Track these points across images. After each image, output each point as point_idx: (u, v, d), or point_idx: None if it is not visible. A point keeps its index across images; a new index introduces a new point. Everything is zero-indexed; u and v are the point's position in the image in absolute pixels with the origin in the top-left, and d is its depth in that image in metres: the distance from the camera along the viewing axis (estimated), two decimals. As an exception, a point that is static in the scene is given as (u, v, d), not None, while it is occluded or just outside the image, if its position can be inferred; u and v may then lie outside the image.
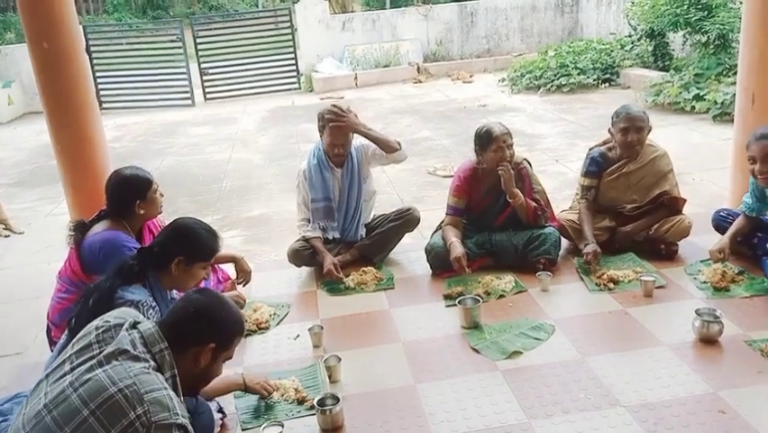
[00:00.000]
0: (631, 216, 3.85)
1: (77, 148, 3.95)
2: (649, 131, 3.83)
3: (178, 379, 1.86)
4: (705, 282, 3.46)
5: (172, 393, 1.76)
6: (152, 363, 1.81)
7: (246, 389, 2.64)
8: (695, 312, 3.00)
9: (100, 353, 1.79)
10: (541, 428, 2.46)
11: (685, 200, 3.85)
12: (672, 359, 2.84)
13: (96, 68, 11.31)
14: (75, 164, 3.98)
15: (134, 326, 1.89)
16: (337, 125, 3.85)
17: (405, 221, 4.07)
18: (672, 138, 6.43)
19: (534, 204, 3.77)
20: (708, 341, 2.93)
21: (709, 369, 2.76)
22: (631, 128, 3.74)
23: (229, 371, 2.96)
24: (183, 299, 2.01)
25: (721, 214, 3.81)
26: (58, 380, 1.78)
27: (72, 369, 1.78)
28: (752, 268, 3.51)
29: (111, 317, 1.94)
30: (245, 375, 2.66)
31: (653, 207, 3.81)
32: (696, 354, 2.87)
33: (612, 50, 10.26)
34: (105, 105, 11.12)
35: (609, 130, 3.90)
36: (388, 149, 3.94)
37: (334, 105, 3.92)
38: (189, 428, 1.75)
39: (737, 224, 3.56)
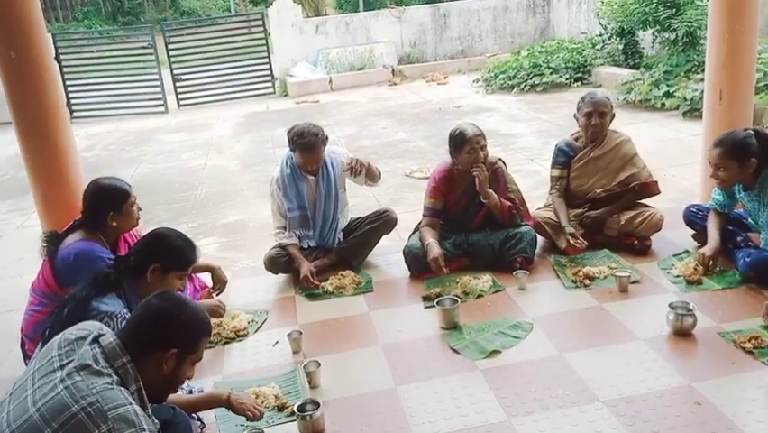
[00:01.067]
0: (603, 200, 3.92)
1: (48, 158, 3.88)
2: (612, 117, 3.95)
3: (143, 392, 1.81)
4: (678, 276, 3.51)
5: (138, 408, 1.71)
6: (116, 377, 1.75)
7: (230, 407, 2.45)
8: (669, 306, 3.05)
9: (62, 368, 1.74)
10: (521, 426, 2.48)
11: (656, 182, 3.92)
12: (647, 353, 2.89)
13: (66, 76, 11.16)
14: (45, 175, 3.91)
15: (96, 339, 1.82)
16: (308, 147, 3.80)
17: (382, 223, 4.08)
18: (644, 135, 6.52)
19: (508, 203, 3.80)
20: (683, 334, 2.98)
21: (684, 361, 2.81)
22: (594, 113, 3.86)
23: (208, 380, 2.96)
24: (142, 306, 1.94)
25: (692, 209, 3.87)
26: (20, 398, 1.73)
27: (34, 387, 1.73)
28: (723, 261, 3.57)
29: (74, 330, 1.89)
30: (232, 393, 2.49)
31: (623, 192, 3.88)
32: (671, 348, 2.92)
33: (584, 50, 10.39)
34: (75, 114, 10.98)
35: (575, 115, 4.01)
36: (374, 179, 4.03)
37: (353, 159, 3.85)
38: None
39: (716, 223, 3.61)
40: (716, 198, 3.65)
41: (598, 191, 3.93)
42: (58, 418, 1.64)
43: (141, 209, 3.18)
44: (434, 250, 3.69)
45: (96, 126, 10.62)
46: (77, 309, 2.38)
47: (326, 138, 3.91)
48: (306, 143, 3.80)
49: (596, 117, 3.86)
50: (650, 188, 3.90)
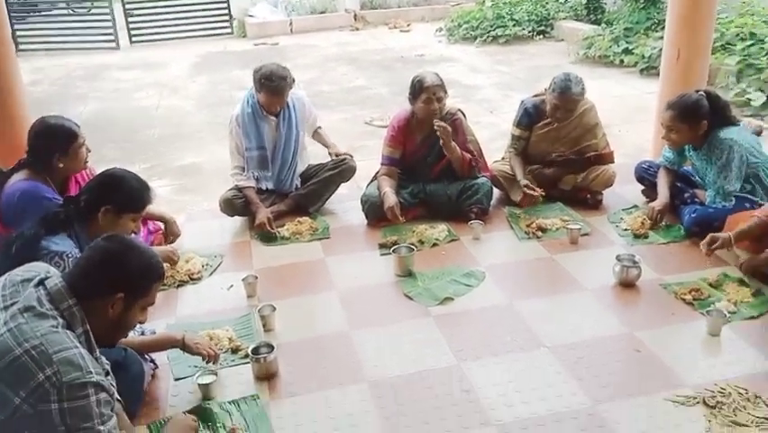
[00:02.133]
0: (557, 163, 3.97)
1: (-9, 92, 3.71)
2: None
3: (90, 334, 1.79)
4: (626, 230, 3.63)
5: (84, 352, 1.68)
6: (61, 320, 1.72)
7: (184, 348, 2.49)
8: (616, 258, 3.15)
9: (5, 310, 1.71)
10: (469, 370, 2.56)
11: (612, 153, 3.99)
12: (593, 302, 3.00)
13: (12, 7, 10.55)
14: (-11, 109, 3.74)
15: (42, 282, 1.78)
16: (275, 91, 3.73)
17: (341, 171, 4.06)
18: (601, 91, 6.60)
19: (469, 156, 3.82)
20: (627, 285, 3.09)
21: (627, 311, 2.93)
22: (562, 108, 3.81)
23: (161, 322, 2.95)
24: (90, 248, 1.89)
25: (643, 165, 3.97)
26: None
27: None
28: (669, 216, 3.69)
29: (19, 271, 1.84)
30: (186, 335, 2.52)
31: (578, 159, 3.93)
32: (615, 298, 3.03)
33: (547, 2, 10.34)
34: (21, 48, 10.43)
35: (545, 89, 3.93)
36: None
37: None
38: (105, 384, 1.70)
39: (665, 179, 3.71)
40: (666, 155, 3.74)
41: (554, 156, 3.97)
42: (1, 360, 1.61)
43: (90, 151, 3.08)
44: (390, 199, 3.70)
45: (43, 60, 10.12)
46: (26, 248, 2.32)
47: (293, 81, 3.85)
48: (275, 87, 3.72)
49: (563, 111, 3.83)
50: (605, 159, 3.95)
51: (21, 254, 2.25)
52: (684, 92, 3.55)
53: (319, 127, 4.20)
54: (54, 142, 2.91)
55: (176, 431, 2.08)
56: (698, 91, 3.51)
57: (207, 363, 2.52)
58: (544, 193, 3.85)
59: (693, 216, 3.47)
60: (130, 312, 1.87)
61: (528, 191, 3.84)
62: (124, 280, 1.83)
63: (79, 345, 1.70)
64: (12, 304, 1.72)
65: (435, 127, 3.67)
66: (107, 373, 1.84)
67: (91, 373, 1.65)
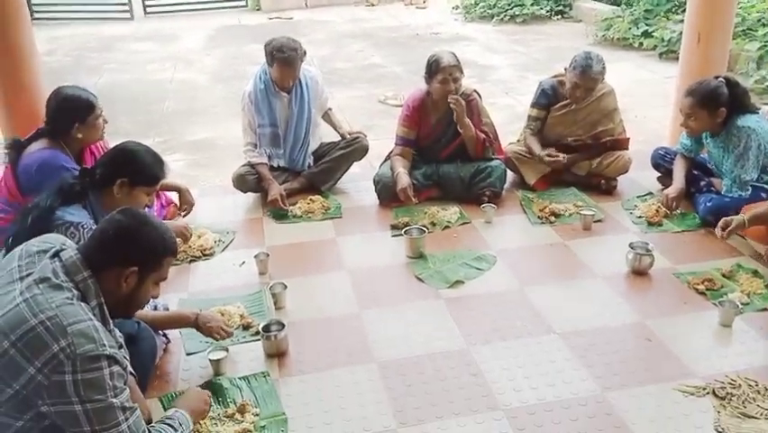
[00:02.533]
0: (573, 147, 3.93)
1: (7, 60, 3.70)
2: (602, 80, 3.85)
3: (105, 307, 1.80)
4: (640, 217, 3.60)
5: (98, 324, 1.70)
6: (76, 292, 1.73)
7: (197, 327, 2.51)
8: (629, 245, 3.13)
9: (21, 280, 1.72)
10: (478, 354, 2.57)
11: (628, 139, 3.94)
12: (604, 289, 2.99)
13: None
14: (5, 78, 3.74)
15: (57, 254, 1.79)
16: (287, 62, 3.70)
17: (353, 150, 4.04)
18: (619, 74, 6.48)
19: (483, 136, 3.79)
20: (640, 273, 3.08)
21: (639, 299, 2.92)
22: (582, 87, 3.75)
23: (173, 297, 2.97)
24: (105, 221, 1.90)
25: (660, 152, 3.93)
26: None
27: None
28: (684, 204, 3.65)
29: (35, 242, 1.85)
30: (200, 315, 2.53)
31: (594, 144, 3.89)
32: (627, 285, 3.02)
33: (566, -19, 10.16)
34: (36, 16, 10.41)
35: (565, 68, 3.86)
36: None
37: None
38: (119, 357, 1.71)
39: (681, 166, 3.67)
40: (683, 142, 3.70)
41: (569, 140, 3.93)
42: (15, 330, 1.62)
43: (107, 122, 3.10)
44: (403, 180, 3.69)
45: (59, 30, 10.11)
46: (42, 218, 2.34)
47: (305, 53, 3.82)
48: (286, 58, 3.69)
49: (582, 90, 3.77)
50: (621, 144, 3.91)
51: (36, 224, 2.28)
52: (703, 78, 3.49)
53: (330, 108, 4.17)
54: (74, 113, 2.94)
55: (190, 403, 2.10)
56: (717, 77, 3.45)
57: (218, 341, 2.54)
58: (566, 156, 3.79)
59: (709, 204, 3.43)
60: (143, 286, 1.88)
61: (551, 159, 3.79)
62: (138, 255, 1.84)
63: (93, 317, 1.72)
64: (27, 275, 1.73)
65: (449, 100, 3.63)
66: (120, 346, 1.86)
67: (104, 345, 1.67)
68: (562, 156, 3.80)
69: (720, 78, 3.42)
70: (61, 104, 2.95)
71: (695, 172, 3.70)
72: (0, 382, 1.62)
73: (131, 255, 1.83)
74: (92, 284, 1.77)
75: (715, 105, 3.35)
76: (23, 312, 1.64)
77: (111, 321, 1.85)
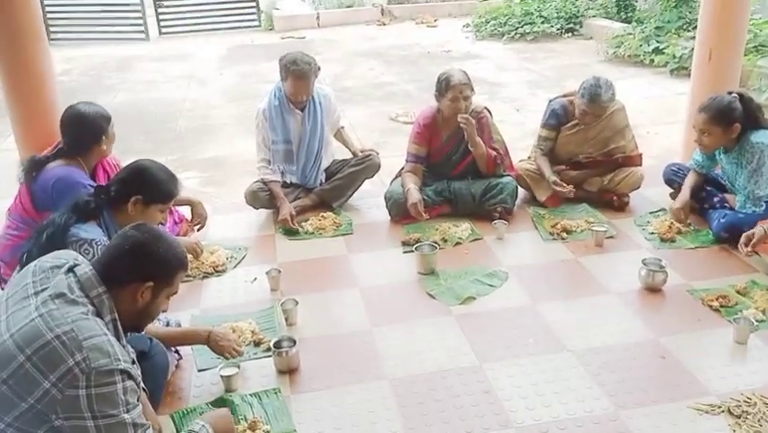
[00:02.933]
0: (584, 164, 3.94)
1: (25, 81, 3.76)
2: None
3: (118, 322, 1.81)
4: (653, 233, 3.58)
5: (113, 339, 1.71)
6: (91, 307, 1.75)
7: (209, 345, 2.51)
8: (642, 262, 3.11)
9: (36, 295, 1.73)
10: (491, 371, 2.55)
11: (641, 155, 3.93)
12: (617, 306, 2.96)
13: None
14: (22, 98, 3.80)
15: (71, 269, 1.81)
16: (301, 75, 3.75)
17: (365, 167, 4.06)
18: (630, 91, 6.51)
19: (494, 153, 3.80)
20: (653, 290, 3.05)
21: (653, 316, 2.89)
22: (591, 114, 3.76)
23: (186, 314, 2.98)
24: (119, 236, 1.93)
25: (672, 168, 3.91)
26: None
27: (8, 313, 1.73)
28: (698, 220, 3.64)
29: (49, 258, 1.87)
30: (212, 333, 2.53)
31: (605, 161, 3.89)
32: (641, 302, 3.00)
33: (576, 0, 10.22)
34: (53, 37, 10.59)
35: (575, 93, 3.85)
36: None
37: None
38: (133, 372, 1.72)
39: (691, 180, 3.66)
40: (696, 158, 3.68)
41: (581, 157, 3.92)
42: (31, 344, 1.64)
43: (114, 134, 3.16)
44: (414, 196, 3.70)
45: (75, 50, 10.28)
46: (56, 235, 2.37)
47: (318, 69, 3.87)
48: (299, 71, 3.73)
49: (591, 117, 3.77)
50: (633, 161, 3.89)
51: (51, 241, 2.30)
52: (716, 94, 3.49)
53: (342, 127, 4.21)
54: (98, 127, 3.01)
55: (217, 422, 2.08)
56: (730, 93, 3.44)
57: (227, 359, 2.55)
58: (573, 189, 3.81)
59: (722, 221, 3.41)
60: (156, 300, 1.91)
61: (558, 188, 3.80)
62: (154, 269, 1.87)
63: (108, 332, 1.73)
64: (42, 290, 1.75)
65: (459, 119, 3.65)
66: (133, 362, 1.87)
67: (119, 360, 1.68)
68: (569, 189, 3.79)
69: (734, 94, 3.42)
70: (84, 120, 3.00)
71: (708, 188, 3.68)
72: (14, 397, 1.63)
73: (146, 270, 1.85)
74: (107, 300, 1.79)
75: (728, 121, 3.34)
76: (39, 327, 1.66)
77: (124, 336, 1.87)
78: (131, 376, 1.72)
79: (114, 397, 1.66)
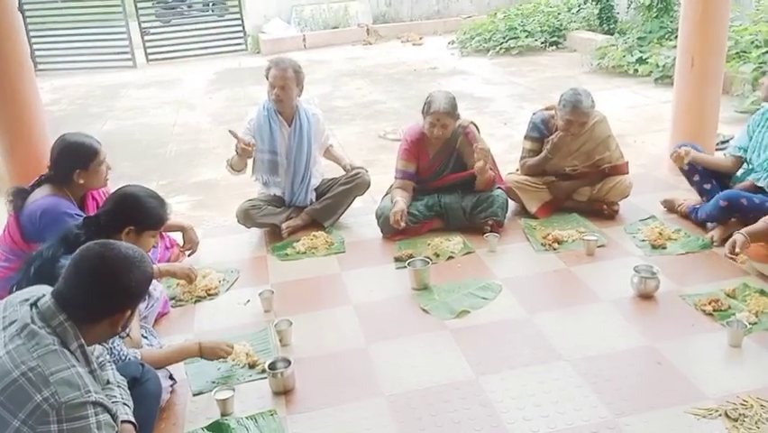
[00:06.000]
0: (571, 176, 3.96)
1: (12, 111, 3.78)
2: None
3: (86, 348, 1.75)
4: (643, 240, 3.60)
5: (81, 370, 1.67)
6: (56, 338, 1.70)
7: (203, 356, 2.57)
8: (633, 269, 3.12)
9: (4, 331, 1.70)
10: (488, 384, 2.54)
11: (627, 163, 3.96)
12: (611, 314, 2.97)
13: (30, 27, 10.74)
14: (9, 128, 3.82)
15: (35, 303, 1.76)
16: (280, 65, 3.81)
17: (355, 185, 4.07)
18: (616, 101, 6.59)
19: (494, 175, 3.84)
20: (646, 296, 3.06)
21: (646, 323, 2.90)
22: (575, 123, 3.74)
23: (179, 338, 2.97)
24: (73, 263, 1.81)
25: (690, 163, 3.73)
26: None
27: None
28: (688, 226, 3.66)
29: (21, 293, 1.83)
30: (202, 343, 2.58)
31: (593, 172, 3.91)
32: (634, 309, 3.00)
33: (559, 13, 10.35)
34: (40, 67, 10.61)
35: (556, 108, 3.84)
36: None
37: None
38: (106, 402, 1.69)
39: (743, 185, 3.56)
40: (739, 145, 3.61)
41: (567, 170, 3.95)
42: None
43: (110, 168, 3.13)
44: (399, 205, 3.71)
45: (62, 79, 10.30)
46: (45, 267, 2.35)
47: (303, 75, 3.90)
48: (278, 63, 3.81)
49: (575, 127, 3.76)
50: (619, 170, 3.90)
51: (39, 274, 2.29)
52: None
53: (331, 145, 4.23)
54: (76, 159, 2.96)
55: None
56: None
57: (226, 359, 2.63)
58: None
59: (722, 193, 3.41)
60: (129, 321, 1.88)
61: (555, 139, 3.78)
62: (122, 294, 1.80)
63: (76, 362, 1.69)
64: (9, 324, 1.72)
65: (475, 150, 3.66)
66: (119, 386, 1.83)
67: (90, 391, 1.64)
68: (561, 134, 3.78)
69: None
70: (64, 150, 2.98)
71: (714, 182, 3.68)
72: None
73: (117, 298, 1.79)
74: (69, 327, 1.72)
75: None
76: (6, 364, 1.62)
77: (94, 361, 1.81)
78: (105, 407, 1.68)
79: (86, 431, 1.62)
